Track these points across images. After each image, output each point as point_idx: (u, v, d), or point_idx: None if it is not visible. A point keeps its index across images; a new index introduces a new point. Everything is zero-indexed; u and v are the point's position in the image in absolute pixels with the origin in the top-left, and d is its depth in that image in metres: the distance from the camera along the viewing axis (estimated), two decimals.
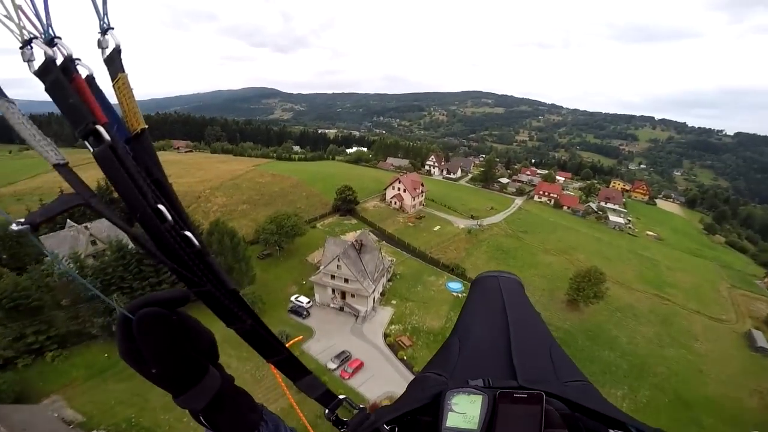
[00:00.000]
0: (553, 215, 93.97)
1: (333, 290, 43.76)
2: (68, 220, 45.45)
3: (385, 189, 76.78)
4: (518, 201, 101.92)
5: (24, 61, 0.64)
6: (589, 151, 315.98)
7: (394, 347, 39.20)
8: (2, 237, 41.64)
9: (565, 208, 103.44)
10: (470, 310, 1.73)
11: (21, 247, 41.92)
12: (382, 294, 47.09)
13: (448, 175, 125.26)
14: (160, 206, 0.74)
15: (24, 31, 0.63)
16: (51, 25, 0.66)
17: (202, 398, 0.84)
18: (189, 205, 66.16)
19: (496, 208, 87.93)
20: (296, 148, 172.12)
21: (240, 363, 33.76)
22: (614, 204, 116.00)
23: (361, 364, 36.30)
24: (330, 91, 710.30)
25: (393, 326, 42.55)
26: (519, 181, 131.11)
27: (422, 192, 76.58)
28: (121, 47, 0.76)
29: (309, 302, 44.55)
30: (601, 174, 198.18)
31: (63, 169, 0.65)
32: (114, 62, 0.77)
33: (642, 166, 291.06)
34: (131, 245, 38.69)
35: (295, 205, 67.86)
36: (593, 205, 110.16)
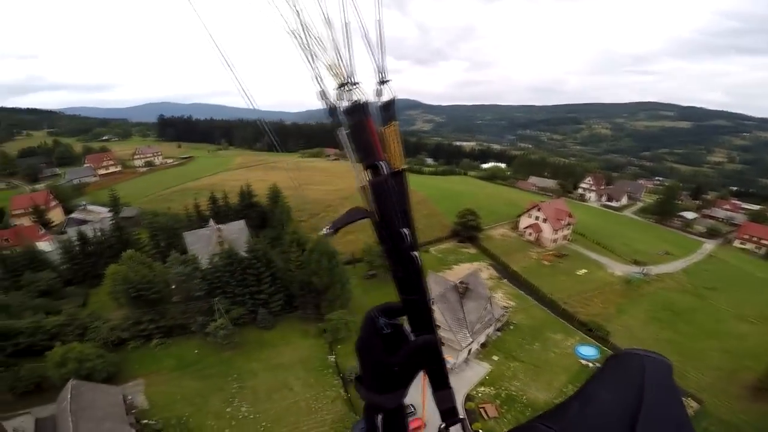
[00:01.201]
0: (762, 270, 65.41)
1: None
2: (210, 220, 52.12)
3: (520, 216, 65.85)
4: (708, 245, 75.41)
5: (336, 100, 0.86)
6: None
7: (473, 414, 31.19)
8: (165, 228, 50.41)
9: None
10: (599, 379, 1.51)
11: (176, 239, 49.57)
12: (483, 345, 38.56)
13: (608, 203, 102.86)
14: (405, 230, 1.00)
15: (341, 75, 0.84)
16: (354, 73, 0.84)
17: (394, 401, 1.15)
18: (318, 212, 69.77)
19: (672, 253, 66.16)
20: (429, 160, 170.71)
21: (303, 389, 32.84)
22: None
23: (422, 426, 28.81)
24: (470, 103, 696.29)
25: (482, 388, 34.22)
26: (712, 218, 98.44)
27: (568, 224, 62.72)
28: (396, 98, 0.96)
29: None
30: None
31: (362, 190, 0.97)
32: (388, 109, 0.99)
33: None
34: (242, 254, 41.81)
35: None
36: None
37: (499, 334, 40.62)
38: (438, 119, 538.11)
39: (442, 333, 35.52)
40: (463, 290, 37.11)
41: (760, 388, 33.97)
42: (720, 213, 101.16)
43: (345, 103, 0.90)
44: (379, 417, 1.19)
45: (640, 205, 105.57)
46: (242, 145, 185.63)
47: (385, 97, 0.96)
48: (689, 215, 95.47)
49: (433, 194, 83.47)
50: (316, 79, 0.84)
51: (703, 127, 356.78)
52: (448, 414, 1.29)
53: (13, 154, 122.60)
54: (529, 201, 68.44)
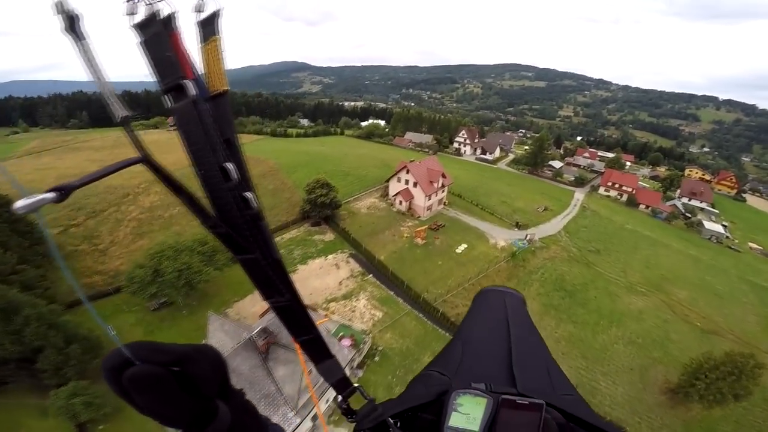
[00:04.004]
0: (630, 219, 67.01)
1: None
2: None
3: (388, 180, 53.01)
4: (578, 195, 75.25)
5: (127, 13, 0.68)
6: (644, 130, 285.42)
7: None
8: None
9: (642, 207, 75.88)
10: (473, 319, 1.77)
11: None
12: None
13: (483, 156, 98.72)
14: (228, 165, 0.74)
15: None
16: None
17: None
18: (105, 209, 46.15)
19: (551, 208, 62.15)
20: (304, 121, 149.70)
21: None
22: (703, 202, 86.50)
23: None
24: (359, 64, 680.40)
25: None
26: (576, 165, 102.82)
27: (443, 186, 52.20)
28: (221, 11, 0.79)
29: None
30: (671, 158, 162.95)
31: (128, 123, 0.67)
32: (209, 25, 0.80)
33: (705, 149, 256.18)
34: None
35: None
36: (679, 204, 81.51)
37: (360, 373, 27.02)
38: (327, 80, 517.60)
39: None
40: (266, 348, 20.68)
41: (676, 391, 27.66)
42: (582, 161, 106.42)
43: (138, 18, 0.70)
44: None
45: (512, 156, 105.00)
46: (52, 124, 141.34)
47: (208, 12, 0.79)
48: (557, 164, 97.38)
49: (289, 162, 65.41)
50: None
51: (555, 86, 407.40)
52: (341, 385, 1.20)
53: None
54: (400, 161, 56.16)
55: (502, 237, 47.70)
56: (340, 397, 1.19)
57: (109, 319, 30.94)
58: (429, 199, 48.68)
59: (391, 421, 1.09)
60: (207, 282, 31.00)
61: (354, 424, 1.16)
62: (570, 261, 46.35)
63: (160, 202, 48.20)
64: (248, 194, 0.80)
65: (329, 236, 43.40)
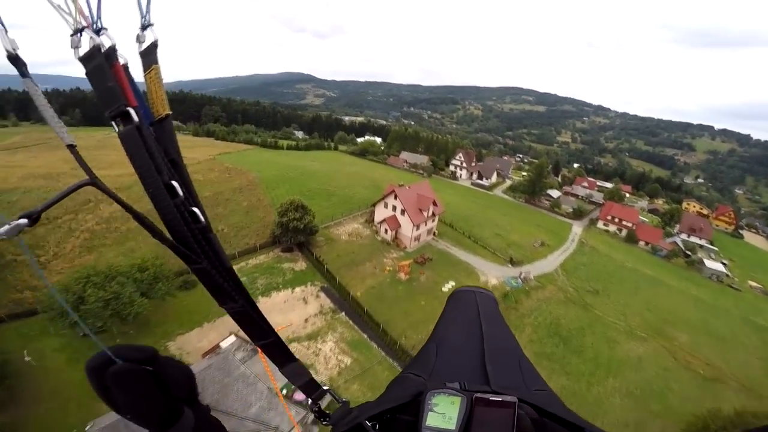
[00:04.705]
0: (630, 257, 63.64)
1: None
2: None
3: (374, 205, 49.26)
4: (577, 228, 71.93)
5: (71, 47, 0.74)
6: (640, 159, 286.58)
7: None
8: None
9: (641, 243, 72.64)
10: (447, 319, 1.80)
11: None
12: None
13: (479, 181, 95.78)
14: (174, 183, 0.81)
15: (76, 21, 0.73)
16: (99, 18, 0.74)
17: None
18: (60, 216, 42.06)
19: (547, 243, 58.54)
20: (299, 134, 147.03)
21: None
22: (702, 239, 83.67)
23: None
24: (363, 80, 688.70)
25: None
26: (574, 195, 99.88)
27: (434, 215, 48.52)
28: (158, 42, 0.85)
29: None
30: (668, 189, 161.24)
31: (73, 150, 0.76)
32: (149, 55, 0.86)
33: (700, 180, 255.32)
34: None
35: (216, 226, 42.16)
36: (679, 242, 78.39)
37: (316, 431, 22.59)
38: (330, 94, 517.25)
39: None
40: None
41: None
42: (580, 191, 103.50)
43: (82, 51, 0.76)
44: None
45: (509, 182, 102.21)
46: (42, 120, 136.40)
47: (147, 44, 0.86)
48: (555, 193, 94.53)
49: (273, 175, 61.75)
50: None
51: (554, 111, 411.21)
52: (309, 388, 1.20)
53: None
54: (389, 184, 52.54)
55: (494, 274, 43.78)
56: (310, 401, 1.20)
57: (32, 341, 27.44)
58: (417, 229, 44.87)
59: (368, 423, 1.08)
60: (139, 314, 26.85)
61: (330, 428, 1.15)
62: (566, 303, 42.49)
63: (121, 213, 43.57)
64: (195, 209, 0.87)
65: (300, 265, 39.05)
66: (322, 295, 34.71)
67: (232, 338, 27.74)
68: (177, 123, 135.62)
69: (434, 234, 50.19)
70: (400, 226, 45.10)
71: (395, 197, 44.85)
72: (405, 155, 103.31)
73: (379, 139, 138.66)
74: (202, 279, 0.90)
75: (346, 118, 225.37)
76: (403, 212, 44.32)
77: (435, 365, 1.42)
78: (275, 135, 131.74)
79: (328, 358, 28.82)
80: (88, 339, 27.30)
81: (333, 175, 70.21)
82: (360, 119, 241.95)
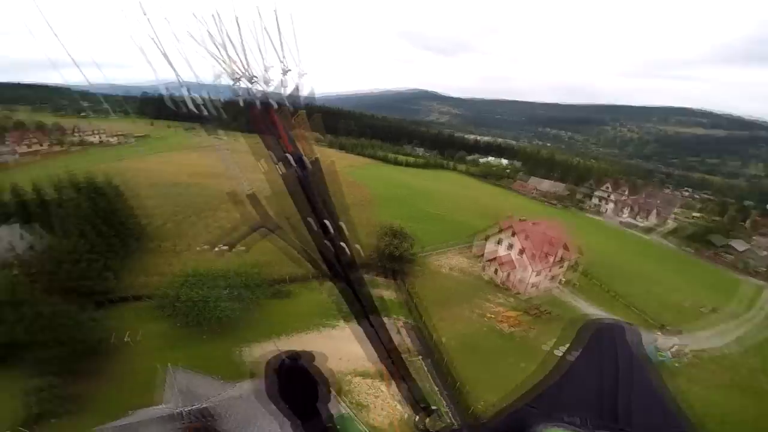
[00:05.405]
0: None
1: None
2: None
3: (486, 238, 42.20)
4: None
5: (234, 96, 0.78)
6: None
7: None
8: None
9: None
10: (576, 351, 1.56)
11: None
12: None
13: (631, 220, 77.46)
14: (326, 221, 0.82)
15: (234, 72, 0.76)
16: (250, 67, 0.76)
17: (318, 426, 1.32)
18: (203, 210, 47.94)
19: (722, 308, 41.94)
20: (419, 150, 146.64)
21: None
22: None
23: None
24: (491, 97, 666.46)
25: None
26: None
27: (562, 260, 38.88)
28: (301, 87, 0.97)
29: None
30: None
31: (253, 197, 0.94)
32: (295, 100, 1.03)
33: None
34: None
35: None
36: None
37: None
38: (455, 111, 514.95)
39: None
40: None
41: None
42: None
43: (244, 97, 0.81)
44: None
45: (672, 225, 79.90)
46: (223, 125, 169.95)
47: (291, 88, 0.83)
48: (740, 245, 69.70)
49: (386, 193, 60.46)
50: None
51: (739, 137, 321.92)
52: (420, 405, 1.34)
53: None
54: (507, 216, 44.56)
55: None
56: (417, 417, 1.36)
57: (140, 323, 30.27)
58: (537, 275, 36.24)
59: None
60: (220, 318, 28.28)
61: None
62: (730, 388, 28.39)
63: (252, 213, 47.83)
64: (342, 244, 1.05)
65: (391, 294, 35.02)
66: (404, 332, 30.07)
67: None
68: (317, 135, 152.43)
69: (560, 282, 40.27)
70: (515, 267, 37.21)
71: (514, 234, 37.17)
72: (535, 181, 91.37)
73: (505, 161, 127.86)
74: (343, 297, 1.15)
75: (470, 137, 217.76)
76: (522, 253, 36.38)
77: (556, 397, 1.25)
78: (397, 150, 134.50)
79: (385, 403, 24.18)
80: (182, 330, 29.01)
81: (446, 197, 65.32)
82: (485, 138, 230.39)
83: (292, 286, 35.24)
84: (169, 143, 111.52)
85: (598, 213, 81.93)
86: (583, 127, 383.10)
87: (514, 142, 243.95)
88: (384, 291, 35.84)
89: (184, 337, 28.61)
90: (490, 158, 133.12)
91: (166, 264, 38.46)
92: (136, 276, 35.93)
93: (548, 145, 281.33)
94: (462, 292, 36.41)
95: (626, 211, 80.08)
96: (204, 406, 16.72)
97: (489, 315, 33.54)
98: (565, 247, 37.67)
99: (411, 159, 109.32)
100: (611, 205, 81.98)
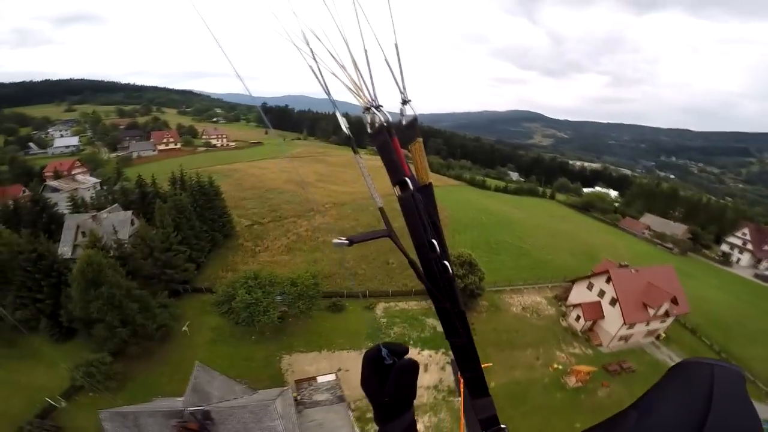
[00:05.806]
0: None
1: None
2: None
3: (574, 281, 37.75)
4: None
5: (365, 123, 0.95)
6: None
7: None
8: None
9: None
10: (661, 389, 1.45)
11: None
12: None
13: None
14: (433, 240, 1.02)
15: (366, 101, 0.92)
16: (376, 96, 0.93)
17: (401, 426, 1.21)
18: (286, 217, 52.84)
19: None
20: (514, 175, 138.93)
21: None
22: None
23: None
24: (605, 121, 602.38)
25: None
26: None
27: (667, 315, 32.80)
28: (418, 117, 1.02)
29: None
30: None
31: (382, 211, 1.00)
32: (412, 128, 1.03)
33: None
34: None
35: (387, 259, 41.95)
36: None
37: None
38: (561, 134, 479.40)
39: None
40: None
41: None
42: None
43: (370, 126, 0.96)
44: None
45: None
46: (321, 136, 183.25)
47: (409, 116, 1.02)
48: None
49: (465, 218, 58.62)
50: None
51: None
52: (489, 423, 1.29)
53: (121, 127, 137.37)
54: (606, 259, 39.21)
55: None
56: None
57: (202, 315, 33.61)
58: (630, 328, 31.12)
59: None
60: (268, 324, 29.54)
61: None
62: None
63: (326, 225, 50.66)
64: (446, 263, 1.05)
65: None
66: (449, 369, 28.45)
67: (331, 377, 26.28)
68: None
69: (659, 337, 33.82)
70: (602, 317, 32.46)
71: (608, 280, 32.64)
72: (649, 219, 79.00)
73: (614, 193, 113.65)
74: (440, 316, 1.12)
75: (577, 163, 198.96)
76: (614, 302, 31.67)
77: (628, 430, 1.16)
78: (488, 174, 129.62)
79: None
80: (236, 328, 31.42)
81: (534, 229, 60.46)
82: (594, 166, 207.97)
83: (348, 301, 35.86)
84: (275, 151, 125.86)
85: (727, 262, 66.92)
86: (720, 157, 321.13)
87: (629, 172, 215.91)
88: (438, 322, 34.56)
89: (236, 335, 31.13)
90: (597, 188, 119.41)
91: (242, 262, 42.23)
92: (213, 270, 40.12)
93: (672, 176, 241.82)
94: (530, 336, 32.59)
95: (765, 263, 64.03)
96: (208, 408, 17.43)
97: (556, 365, 29.37)
98: (674, 301, 31.57)
99: (501, 184, 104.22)
100: (746, 255, 66.35)
